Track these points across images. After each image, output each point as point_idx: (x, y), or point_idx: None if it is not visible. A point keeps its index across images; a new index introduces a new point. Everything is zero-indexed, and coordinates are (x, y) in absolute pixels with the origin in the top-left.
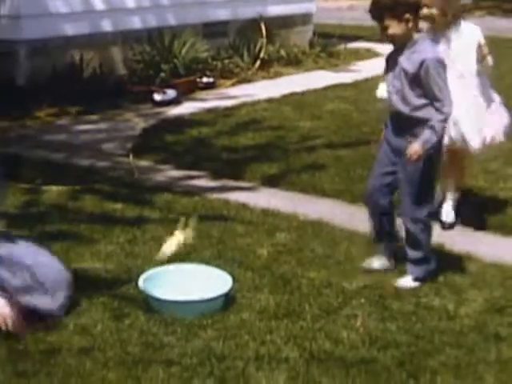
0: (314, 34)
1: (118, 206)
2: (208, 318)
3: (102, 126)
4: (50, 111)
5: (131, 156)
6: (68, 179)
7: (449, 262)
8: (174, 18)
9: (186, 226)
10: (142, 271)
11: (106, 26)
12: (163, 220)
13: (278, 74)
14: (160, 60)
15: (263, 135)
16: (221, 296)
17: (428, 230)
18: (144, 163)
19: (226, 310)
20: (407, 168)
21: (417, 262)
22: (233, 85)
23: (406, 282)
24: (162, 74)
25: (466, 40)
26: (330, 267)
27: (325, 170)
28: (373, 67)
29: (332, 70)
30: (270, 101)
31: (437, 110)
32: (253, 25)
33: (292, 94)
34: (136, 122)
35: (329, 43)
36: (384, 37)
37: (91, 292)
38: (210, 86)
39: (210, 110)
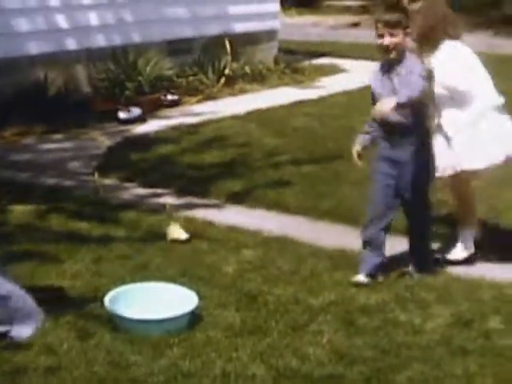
0: (279, 50)
1: (84, 224)
2: (174, 337)
3: (67, 144)
4: (15, 130)
5: (96, 174)
6: (33, 199)
7: (414, 277)
8: (138, 36)
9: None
10: (108, 290)
11: (70, 44)
12: (129, 238)
13: (242, 91)
14: (124, 78)
15: (228, 152)
16: (186, 314)
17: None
18: (109, 181)
19: (192, 328)
20: (410, 174)
21: (421, 254)
22: (198, 102)
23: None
24: (127, 92)
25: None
26: (296, 284)
27: (290, 187)
28: (337, 83)
29: (297, 86)
30: (235, 118)
31: None
32: (217, 42)
33: (257, 111)
34: (101, 141)
35: (293, 59)
36: (385, 45)
37: (57, 311)
38: (174, 104)
39: (175, 128)
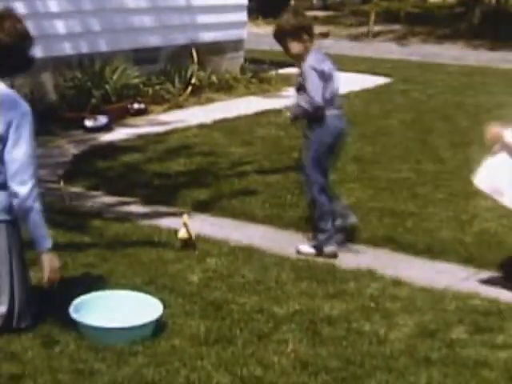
0: (246, 60)
1: (49, 232)
2: (139, 345)
3: None
4: None
5: (62, 182)
6: None
7: (379, 287)
8: (105, 44)
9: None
10: (73, 298)
11: (37, 51)
12: (94, 246)
13: (209, 100)
14: (91, 86)
15: (194, 161)
16: (151, 322)
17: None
18: (75, 189)
19: (157, 337)
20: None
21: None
22: (164, 111)
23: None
24: (93, 100)
25: None
26: (261, 293)
27: (255, 196)
28: None
29: (263, 95)
30: (201, 127)
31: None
32: (184, 51)
33: (223, 120)
34: (67, 149)
35: (260, 69)
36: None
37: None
38: (141, 112)
39: (141, 136)
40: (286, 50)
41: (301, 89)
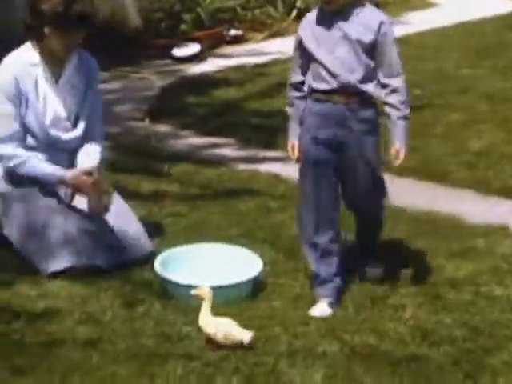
0: None
1: (133, 177)
2: (234, 306)
3: (114, 85)
4: None
5: (147, 120)
6: None
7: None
8: None
9: None
10: (159, 252)
11: None
12: (183, 194)
13: None
14: (181, 9)
15: None
16: (249, 281)
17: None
18: (162, 128)
19: (255, 297)
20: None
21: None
22: (264, 39)
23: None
24: (183, 26)
25: None
26: None
27: None
28: (426, 19)
29: None
30: None
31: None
32: None
33: None
34: (153, 81)
35: None
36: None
37: (100, 275)
38: (238, 40)
39: (238, 68)
40: None
41: (365, 51)
